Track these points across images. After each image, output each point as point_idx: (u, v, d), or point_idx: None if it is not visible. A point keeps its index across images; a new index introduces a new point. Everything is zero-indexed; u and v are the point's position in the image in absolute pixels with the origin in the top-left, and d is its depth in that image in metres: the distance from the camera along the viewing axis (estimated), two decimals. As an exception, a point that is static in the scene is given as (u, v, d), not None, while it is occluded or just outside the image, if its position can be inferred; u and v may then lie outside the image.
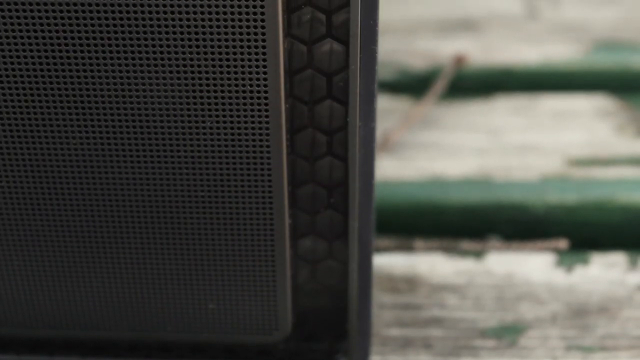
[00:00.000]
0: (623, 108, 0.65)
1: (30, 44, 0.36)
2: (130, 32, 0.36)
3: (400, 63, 0.69)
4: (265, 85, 0.37)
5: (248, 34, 0.36)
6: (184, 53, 0.37)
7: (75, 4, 0.35)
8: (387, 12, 0.75)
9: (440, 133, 0.64)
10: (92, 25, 0.36)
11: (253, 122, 0.38)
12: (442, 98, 0.67)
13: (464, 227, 0.58)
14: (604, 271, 0.53)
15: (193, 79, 0.37)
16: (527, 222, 0.58)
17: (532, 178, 0.60)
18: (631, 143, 0.63)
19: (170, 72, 0.37)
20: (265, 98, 0.38)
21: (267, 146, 0.39)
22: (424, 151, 0.62)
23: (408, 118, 0.64)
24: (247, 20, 0.36)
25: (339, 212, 0.42)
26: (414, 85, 0.68)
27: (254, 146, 0.39)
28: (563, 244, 0.55)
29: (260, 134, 0.39)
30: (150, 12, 0.36)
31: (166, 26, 0.36)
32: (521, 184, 0.59)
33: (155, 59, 0.37)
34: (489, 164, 0.61)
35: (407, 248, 0.55)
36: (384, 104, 0.66)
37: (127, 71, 0.37)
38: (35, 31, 0.36)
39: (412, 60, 0.70)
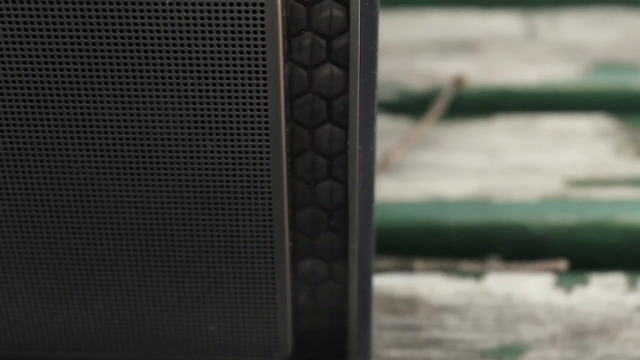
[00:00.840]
0: (622, 129, 0.66)
1: (34, 70, 0.37)
2: (132, 58, 0.36)
3: (400, 83, 0.70)
4: (265, 110, 0.38)
5: (249, 59, 0.36)
6: (184, 78, 0.37)
7: (78, 31, 0.36)
8: (387, 32, 0.75)
9: (440, 153, 0.64)
10: (96, 52, 0.36)
11: (254, 146, 0.39)
12: (442, 118, 0.67)
13: (463, 247, 0.58)
14: (603, 292, 0.53)
15: (194, 103, 0.37)
16: (526, 243, 0.58)
17: (531, 199, 0.60)
18: (630, 164, 0.63)
19: (172, 97, 0.37)
20: (266, 122, 0.38)
21: (268, 169, 0.39)
22: (423, 172, 0.62)
23: (408, 138, 0.64)
24: (248, 45, 0.36)
25: (339, 235, 0.42)
26: (413, 105, 0.69)
27: (254, 169, 0.39)
28: (562, 265, 0.55)
29: (261, 158, 0.39)
30: (152, 38, 0.36)
31: (167, 52, 0.36)
32: (521, 205, 0.59)
33: (156, 84, 0.37)
34: (488, 185, 0.61)
35: (407, 269, 0.56)
36: (384, 124, 0.67)
37: (129, 96, 0.37)
38: (39, 57, 0.36)
39: (412, 81, 0.70)
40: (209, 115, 0.38)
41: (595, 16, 0.77)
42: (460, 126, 0.66)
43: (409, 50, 0.74)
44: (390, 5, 0.78)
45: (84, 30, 0.36)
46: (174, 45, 0.36)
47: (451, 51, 0.73)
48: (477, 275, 0.55)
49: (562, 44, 0.74)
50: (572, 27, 0.76)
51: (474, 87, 0.69)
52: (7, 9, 0.35)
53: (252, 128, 0.38)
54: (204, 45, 0.36)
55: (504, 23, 0.77)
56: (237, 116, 0.38)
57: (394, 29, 0.76)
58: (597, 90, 0.69)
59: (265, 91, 0.37)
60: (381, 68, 0.70)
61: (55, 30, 0.36)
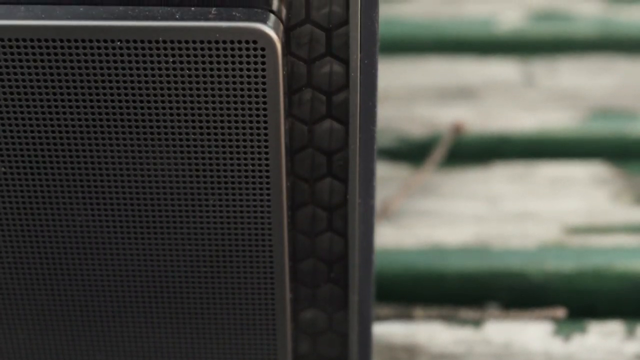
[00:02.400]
0: (619, 175, 0.66)
1: (38, 122, 0.37)
2: (135, 114, 0.37)
3: (400, 130, 0.70)
4: (267, 164, 0.38)
5: (250, 115, 0.37)
6: (187, 133, 0.37)
7: (82, 87, 0.37)
8: (386, 78, 0.76)
9: (439, 201, 0.64)
10: (101, 108, 0.37)
11: (255, 200, 0.39)
12: (441, 165, 0.67)
13: (462, 295, 0.58)
14: (602, 340, 0.54)
15: (197, 157, 0.38)
16: (525, 290, 0.58)
17: (530, 246, 0.61)
18: (628, 210, 0.63)
19: (175, 151, 0.38)
20: (267, 176, 0.39)
21: (269, 222, 0.40)
22: (423, 219, 0.63)
23: (407, 186, 0.65)
24: (250, 102, 0.37)
25: (339, 286, 0.43)
26: (413, 152, 0.69)
27: (255, 222, 0.40)
28: (561, 312, 0.56)
29: (262, 211, 0.39)
30: (155, 95, 0.37)
31: (170, 107, 0.37)
32: (519, 252, 0.60)
33: (159, 139, 0.38)
34: (487, 232, 0.62)
35: (407, 316, 0.56)
36: (383, 171, 0.67)
37: (133, 150, 0.38)
38: (43, 113, 0.37)
39: (411, 128, 0.71)
40: (211, 169, 0.38)
41: (593, 62, 0.78)
42: (458, 173, 0.67)
43: (408, 96, 0.75)
44: (390, 52, 0.79)
45: (89, 87, 0.37)
46: (177, 101, 0.37)
47: (450, 98, 0.74)
48: (477, 323, 0.55)
49: (559, 91, 0.75)
50: (569, 73, 0.77)
51: (473, 134, 0.70)
52: (14, 66, 0.36)
53: (254, 182, 0.39)
54: (206, 102, 0.37)
55: (501, 69, 0.77)
56: (239, 170, 0.38)
57: (393, 75, 0.77)
58: (595, 137, 0.70)
59: (266, 146, 0.38)
60: (381, 114, 0.71)
61: (60, 86, 0.36)
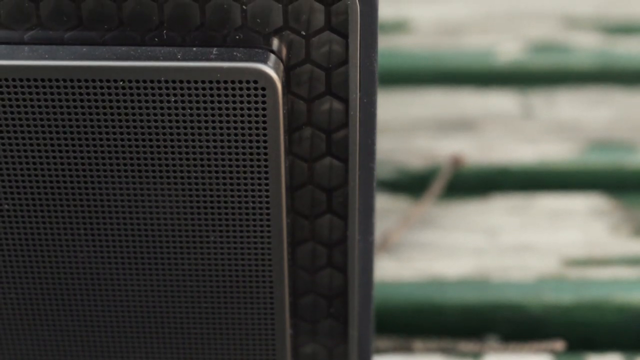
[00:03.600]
0: (618, 207, 0.67)
1: (41, 164, 0.38)
2: (138, 152, 0.38)
3: (399, 162, 0.71)
4: (267, 202, 0.39)
5: (251, 153, 0.38)
6: (189, 172, 0.38)
7: (86, 127, 0.37)
8: (386, 110, 0.76)
9: (439, 233, 0.65)
10: (104, 147, 0.37)
11: (255, 236, 0.40)
12: (440, 197, 0.68)
13: (462, 327, 0.59)
14: (601, 373, 0.54)
15: (198, 195, 0.38)
16: (524, 323, 0.58)
17: (528, 278, 0.61)
18: (626, 243, 0.64)
19: (176, 189, 0.38)
20: (268, 213, 0.39)
21: (269, 259, 0.40)
22: (422, 251, 0.63)
23: (407, 218, 0.65)
24: (250, 140, 0.37)
25: (339, 321, 0.43)
26: (412, 184, 0.70)
27: (256, 259, 0.40)
28: (559, 345, 0.56)
29: (262, 247, 0.40)
30: (157, 134, 0.37)
31: (172, 146, 0.37)
32: (518, 285, 0.60)
33: (161, 177, 0.38)
34: (486, 264, 0.62)
35: (406, 349, 0.56)
36: (383, 203, 0.68)
37: (135, 188, 0.38)
38: (46, 152, 0.38)
39: (411, 159, 0.71)
40: (213, 206, 0.39)
41: (591, 94, 0.78)
42: (458, 205, 0.67)
43: (408, 128, 0.75)
44: (389, 83, 0.80)
45: (92, 126, 0.37)
46: (179, 139, 0.37)
47: (449, 129, 0.75)
48: (476, 355, 0.55)
49: (558, 122, 0.75)
50: (567, 105, 0.77)
51: (472, 166, 0.70)
52: (18, 105, 0.37)
53: (255, 219, 0.39)
54: (207, 140, 0.37)
55: (500, 101, 0.78)
56: (240, 208, 0.39)
57: (393, 107, 0.77)
58: (593, 169, 0.70)
59: (267, 183, 0.38)
60: (380, 146, 0.71)
61: (63, 125, 0.37)
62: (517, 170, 0.70)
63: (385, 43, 0.84)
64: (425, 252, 0.63)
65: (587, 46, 0.83)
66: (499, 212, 0.67)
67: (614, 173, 0.70)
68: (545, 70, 0.80)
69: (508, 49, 0.82)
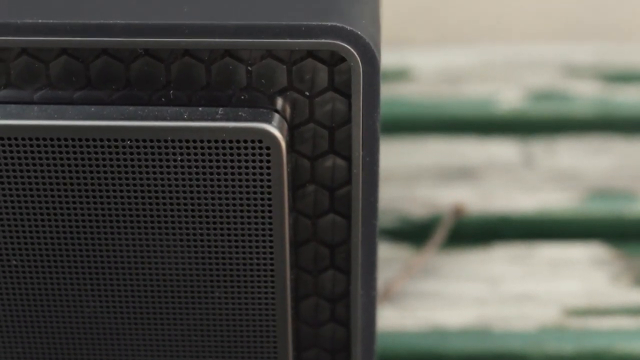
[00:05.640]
0: (618, 257, 0.67)
1: (50, 221, 0.38)
2: (144, 210, 0.38)
3: (401, 210, 0.71)
4: (271, 257, 0.39)
5: (255, 210, 0.38)
6: (194, 228, 0.39)
7: (93, 184, 0.38)
8: (387, 158, 0.77)
9: (440, 282, 0.65)
10: (110, 204, 0.38)
11: (260, 292, 0.40)
12: (442, 247, 0.68)
13: (464, 377, 0.59)
14: None
15: (203, 252, 0.39)
16: (526, 373, 0.59)
17: (530, 328, 0.61)
18: (627, 292, 0.64)
19: (182, 246, 0.39)
20: (272, 269, 0.39)
21: (273, 314, 0.41)
22: (424, 300, 0.64)
23: (409, 267, 0.65)
24: (255, 198, 0.38)
25: (342, 375, 0.44)
26: (414, 232, 0.70)
27: (260, 313, 0.41)
28: (561, 396, 0.56)
29: (266, 302, 0.40)
30: (163, 192, 0.38)
31: (178, 203, 0.38)
32: (519, 334, 0.60)
33: (167, 233, 0.39)
34: (487, 314, 0.62)
35: (409, 399, 0.57)
36: (385, 252, 0.68)
37: (141, 245, 0.39)
38: (55, 209, 0.38)
39: (412, 208, 0.72)
40: (217, 262, 0.39)
41: (591, 143, 0.79)
42: (459, 254, 0.68)
43: (409, 176, 0.76)
44: (390, 131, 0.80)
45: (99, 184, 0.38)
46: (185, 197, 0.38)
47: (450, 178, 0.75)
48: (478, 406, 0.56)
49: (558, 171, 0.76)
50: (568, 153, 0.78)
51: (473, 215, 0.70)
52: (27, 164, 0.37)
53: (259, 274, 0.40)
54: (213, 198, 0.38)
55: (501, 149, 0.79)
56: (244, 263, 0.39)
57: (394, 155, 0.78)
58: (593, 218, 0.71)
59: (271, 240, 0.39)
60: (382, 195, 0.72)
61: (72, 183, 0.38)
62: (517, 220, 0.71)
63: (387, 91, 0.85)
64: (427, 301, 0.64)
65: (587, 95, 0.83)
66: (500, 261, 0.67)
67: (614, 222, 0.70)
68: (545, 118, 0.81)
69: (509, 98, 0.83)
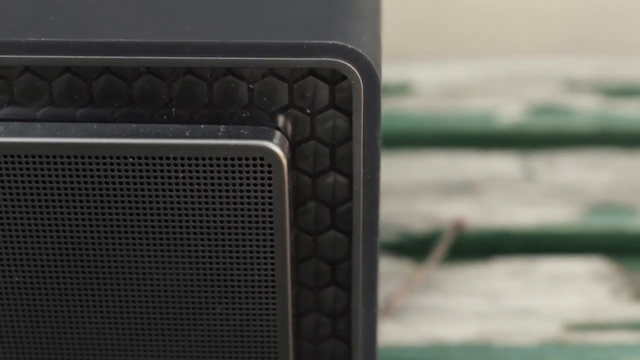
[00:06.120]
0: (619, 271, 0.67)
1: (52, 237, 0.39)
2: (146, 226, 0.38)
3: (402, 225, 0.72)
4: (272, 274, 0.39)
5: (257, 227, 0.38)
6: (196, 245, 0.39)
7: (96, 202, 0.38)
8: (388, 173, 0.77)
9: (441, 297, 0.65)
10: (112, 220, 0.38)
11: (261, 308, 0.40)
12: (442, 261, 0.68)
13: (464, 392, 0.59)
14: None
15: (204, 268, 0.39)
16: (526, 387, 0.59)
17: (530, 343, 0.61)
18: (627, 307, 0.64)
19: (183, 262, 0.39)
20: (273, 286, 0.40)
21: (274, 330, 0.41)
22: (425, 315, 0.64)
23: (410, 282, 0.66)
24: (257, 215, 0.38)
25: (343, 390, 0.44)
26: (415, 247, 0.70)
27: (261, 329, 0.41)
28: (562, 411, 0.56)
29: (268, 318, 0.40)
30: (165, 208, 0.38)
31: (180, 221, 0.38)
32: (520, 349, 0.61)
33: (169, 250, 0.39)
34: (488, 329, 0.63)
35: (409, 414, 0.57)
36: (386, 266, 0.68)
37: (143, 261, 0.39)
38: (57, 226, 0.38)
39: (413, 223, 0.72)
40: (219, 279, 0.40)
41: (591, 157, 0.79)
42: (460, 269, 0.68)
43: (410, 191, 0.76)
44: (391, 146, 0.81)
45: (101, 200, 0.38)
46: (187, 214, 0.38)
47: (451, 192, 0.75)
48: (478, 421, 0.56)
49: (558, 185, 0.76)
50: (568, 168, 0.78)
51: (473, 229, 0.71)
52: (30, 181, 0.37)
53: (260, 290, 0.40)
54: (214, 215, 0.38)
55: (502, 164, 0.79)
56: (246, 280, 0.40)
57: (395, 170, 0.78)
58: (594, 233, 0.71)
59: (272, 256, 0.39)
60: (383, 209, 0.72)
61: (74, 200, 0.38)
62: (518, 234, 0.71)
63: (387, 105, 0.85)
64: (428, 316, 0.64)
65: (588, 109, 0.84)
66: (501, 276, 0.67)
67: (614, 237, 0.70)
68: (546, 133, 0.81)
69: (509, 112, 0.83)
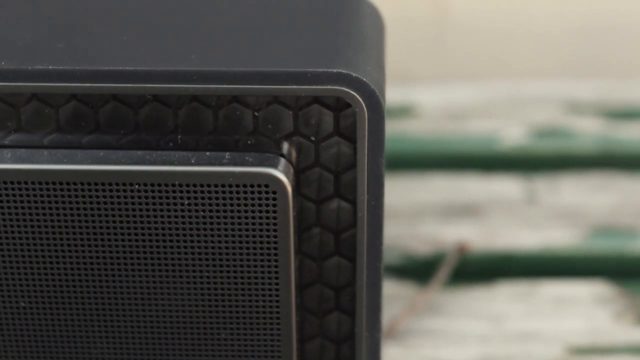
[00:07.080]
0: (621, 295, 0.67)
1: (58, 263, 0.39)
2: (152, 252, 0.39)
3: (405, 248, 0.72)
4: (277, 300, 0.40)
5: (262, 254, 0.39)
6: (201, 271, 0.39)
7: (102, 227, 0.38)
8: (391, 196, 0.77)
9: (444, 320, 0.65)
10: (119, 246, 0.39)
11: (265, 333, 0.40)
12: (446, 284, 0.69)
13: (468, 415, 0.59)
14: None
15: (209, 294, 0.40)
16: (529, 411, 0.59)
17: (533, 366, 0.61)
18: (630, 331, 0.64)
19: (188, 288, 0.39)
20: (277, 311, 0.40)
21: (279, 355, 0.41)
22: (428, 338, 0.64)
23: (413, 305, 0.66)
24: (261, 242, 0.38)
25: (347, 415, 0.44)
26: (418, 270, 0.71)
27: (265, 355, 0.41)
28: None
29: (272, 345, 0.41)
30: (170, 235, 0.38)
31: (185, 247, 0.39)
32: (523, 373, 0.61)
33: (174, 276, 0.39)
34: (491, 352, 0.63)
35: None
36: (390, 289, 0.68)
37: (148, 287, 0.39)
38: (63, 252, 0.39)
39: (416, 245, 0.72)
40: (224, 304, 0.40)
41: (594, 180, 0.79)
42: (463, 292, 0.68)
43: (413, 213, 0.76)
44: (394, 168, 0.81)
45: (107, 227, 0.38)
46: (192, 240, 0.38)
47: (454, 215, 0.75)
48: None
49: (561, 208, 0.76)
50: (571, 190, 0.78)
51: (476, 252, 0.71)
52: (37, 207, 0.38)
53: (265, 316, 0.40)
54: (219, 241, 0.38)
55: (505, 186, 0.79)
56: (250, 305, 0.40)
57: (398, 192, 0.79)
58: (596, 256, 0.71)
59: (277, 282, 0.39)
60: (386, 232, 0.72)
61: (80, 226, 0.38)
62: (521, 257, 0.71)
63: (390, 128, 0.85)
64: (431, 339, 0.64)
65: (590, 131, 0.84)
66: (504, 298, 0.67)
67: (617, 260, 0.71)
68: (548, 155, 0.81)
69: (512, 134, 0.83)
